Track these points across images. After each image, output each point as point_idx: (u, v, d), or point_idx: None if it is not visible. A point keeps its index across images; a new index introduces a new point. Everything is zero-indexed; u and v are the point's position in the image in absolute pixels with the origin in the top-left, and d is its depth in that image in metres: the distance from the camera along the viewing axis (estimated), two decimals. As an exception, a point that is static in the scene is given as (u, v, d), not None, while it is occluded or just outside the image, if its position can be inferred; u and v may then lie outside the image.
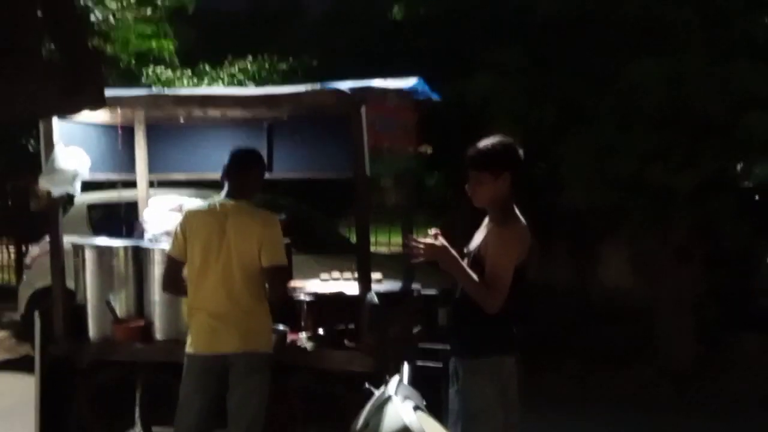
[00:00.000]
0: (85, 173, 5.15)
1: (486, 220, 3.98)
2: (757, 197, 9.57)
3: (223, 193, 4.57)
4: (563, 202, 7.85)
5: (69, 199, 6.81)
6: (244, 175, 4.54)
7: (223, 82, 10.74)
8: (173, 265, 4.55)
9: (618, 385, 7.78)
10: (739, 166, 7.69)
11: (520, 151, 3.90)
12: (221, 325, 4.37)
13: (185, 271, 4.53)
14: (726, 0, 7.34)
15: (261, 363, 4.43)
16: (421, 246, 3.77)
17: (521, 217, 3.90)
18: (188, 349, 4.46)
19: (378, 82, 4.85)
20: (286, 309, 4.94)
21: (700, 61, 7.18)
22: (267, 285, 4.50)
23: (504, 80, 7.92)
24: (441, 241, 3.79)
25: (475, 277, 3.75)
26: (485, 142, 3.89)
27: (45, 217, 5.29)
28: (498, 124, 7.16)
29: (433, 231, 3.84)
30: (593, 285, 9.79)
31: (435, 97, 5.37)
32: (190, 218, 4.52)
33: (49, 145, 5.05)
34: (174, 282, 4.56)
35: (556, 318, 8.85)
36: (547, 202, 8.06)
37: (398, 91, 4.98)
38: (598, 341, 8.54)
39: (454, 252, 3.80)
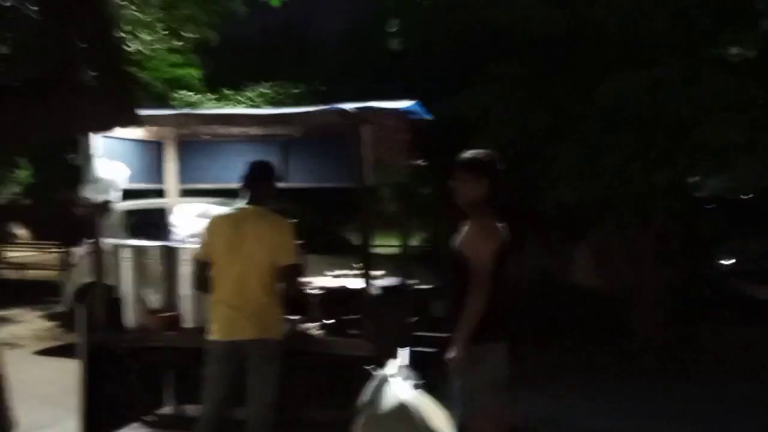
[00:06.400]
0: (124, 183, 5.42)
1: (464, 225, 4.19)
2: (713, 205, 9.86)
3: (244, 200, 4.82)
4: (556, 196, 8.12)
5: (108, 205, 7.03)
6: (261, 184, 4.75)
7: (243, 105, 11.04)
8: (200, 267, 4.77)
9: (609, 359, 8.12)
10: (694, 179, 8.03)
11: (499, 164, 4.21)
12: (238, 315, 4.57)
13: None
14: (697, 17, 7.68)
15: (273, 350, 4.62)
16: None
17: (496, 217, 4.12)
18: (210, 336, 4.69)
19: (378, 104, 5.10)
20: (300, 302, 5.17)
21: (673, 71, 7.51)
22: (285, 281, 4.66)
23: (503, 91, 8.27)
24: (452, 354, 4.00)
25: (463, 325, 3.96)
26: (475, 151, 4.23)
27: (88, 222, 5.49)
28: (496, 131, 7.58)
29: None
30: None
31: (428, 117, 5.60)
32: (214, 223, 4.76)
33: (89, 158, 5.26)
34: (203, 282, 4.74)
35: (552, 302, 9.10)
36: (541, 200, 8.31)
37: (395, 111, 5.22)
38: (587, 322, 8.87)
39: (455, 346, 3.99)
